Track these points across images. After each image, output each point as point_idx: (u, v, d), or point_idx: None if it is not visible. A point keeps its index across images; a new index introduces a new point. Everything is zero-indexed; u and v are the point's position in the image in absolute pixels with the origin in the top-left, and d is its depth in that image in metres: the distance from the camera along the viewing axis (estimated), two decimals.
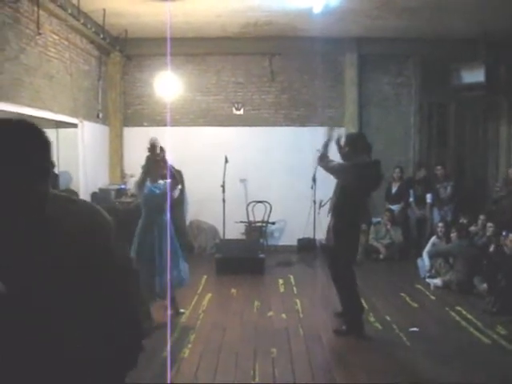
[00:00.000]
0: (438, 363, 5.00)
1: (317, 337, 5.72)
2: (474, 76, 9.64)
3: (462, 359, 5.09)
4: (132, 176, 10.48)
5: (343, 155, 5.92)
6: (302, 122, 10.68)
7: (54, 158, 8.26)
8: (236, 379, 4.63)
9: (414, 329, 5.91)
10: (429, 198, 10.13)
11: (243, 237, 10.38)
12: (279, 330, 5.91)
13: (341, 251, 5.68)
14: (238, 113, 10.74)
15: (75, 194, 8.30)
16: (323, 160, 5.96)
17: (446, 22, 9.02)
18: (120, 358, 1.85)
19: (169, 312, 5.99)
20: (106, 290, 1.79)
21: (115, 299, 1.83)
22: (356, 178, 5.57)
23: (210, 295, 7.36)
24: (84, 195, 9.05)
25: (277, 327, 6.03)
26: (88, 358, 1.74)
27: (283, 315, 6.47)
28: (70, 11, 7.62)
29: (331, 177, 6.02)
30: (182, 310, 6.44)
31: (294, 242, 10.53)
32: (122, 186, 10.24)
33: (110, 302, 1.81)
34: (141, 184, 6.10)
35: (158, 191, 6.08)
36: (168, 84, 9.56)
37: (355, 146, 5.79)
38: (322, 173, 6.93)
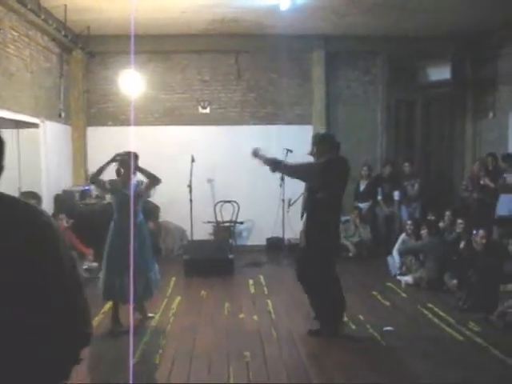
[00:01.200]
0: (413, 362, 4.95)
1: (290, 338, 5.61)
2: (441, 73, 9.72)
3: (438, 357, 5.04)
4: None
5: (312, 156, 5.81)
6: (270, 120, 10.58)
7: (15, 160, 7.96)
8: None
9: (389, 328, 5.85)
10: (396, 195, 10.14)
11: (211, 237, 10.23)
12: (252, 333, 5.78)
13: (312, 254, 5.51)
14: (204, 111, 10.57)
15: (37, 196, 8.03)
16: (279, 166, 5.75)
17: (413, 20, 9.04)
18: (51, 370, 1.70)
19: (131, 317, 5.82)
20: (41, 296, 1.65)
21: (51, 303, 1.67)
22: (322, 177, 5.40)
23: (179, 298, 7.18)
24: (47, 197, 8.77)
25: (249, 329, 5.90)
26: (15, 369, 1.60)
27: (255, 317, 6.34)
28: (29, 6, 7.33)
29: None
30: (150, 314, 6.25)
31: (263, 242, 10.43)
32: (86, 188, 9.95)
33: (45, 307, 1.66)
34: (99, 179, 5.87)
35: (129, 192, 5.83)
36: (132, 82, 9.35)
37: (321, 145, 5.65)
38: None
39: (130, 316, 5.76)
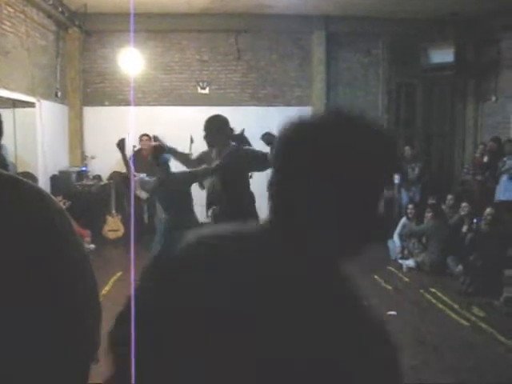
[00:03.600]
0: (420, 348, 4.90)
1: None
2: (444, 56, 9.58)
3: (445, 343, 5.00)
4: (93, 158, 10.12)
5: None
6: (269, 101, 10.43)
7: (11, 140, 7.81)
8: None
9: (392, 312, 5.79)
10: (396, 178, 10.05)
11: (207, 220, 10.13)
12: None
13: None
14: (203, 92, 10.41)
15: (33, 177, 7.90)
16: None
17: (416, 2, 8.88)
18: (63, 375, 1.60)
19: None
20: (51, 291, 1.53)
21: (62, 302, 1.56)
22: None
23: None
24: (43, 178, 8.63)
25: None
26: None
27: None
28: None
29: None
30: None
31: None
32: (83, 169, 9.84)
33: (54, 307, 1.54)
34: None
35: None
36: (130, 61, 9.18)
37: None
38: None
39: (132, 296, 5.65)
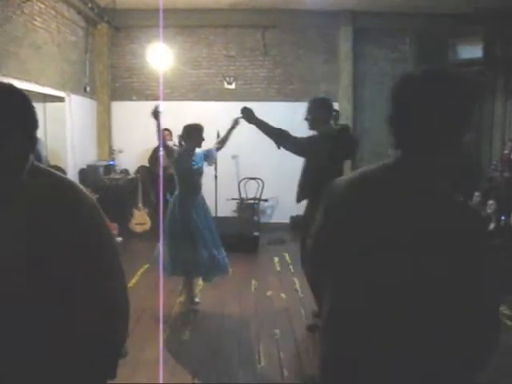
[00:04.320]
0: None
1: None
2: (472, 51, 9.47)
3: None
4: (120, 152, 10.23)
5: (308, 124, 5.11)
6: (296, 97, 10.41)
7: (42, 134, 7.94)
8: (240, 363, 4.47)
9: None
10: None
11: (235, 214, 10.21)
12: (280, 310, 5.76)
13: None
14: (229, 87, 10.46)
15: (62, 170, 8.03)
16: (281, 137, 4.86)
17: None
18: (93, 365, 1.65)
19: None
20: (80, 283, 1.58)
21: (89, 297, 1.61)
22: (317, 151, 4.75)
23: None
24: (72, 171, 8.77)
25: (277, 307, 5.88)
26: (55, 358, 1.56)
27: (282, 295, 6.31)
28: None
29: None
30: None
31: (287, 220, 10.37)
32: (111, 162, 9.96)
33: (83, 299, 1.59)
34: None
35: (195, 165, 5.56)
36: (158, 57, 9.24)
37: (317, 113, 4.96)
38: None
39: (160, 288, 5.70)
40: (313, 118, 4.95)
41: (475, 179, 8.42)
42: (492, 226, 7.42)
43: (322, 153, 4.69)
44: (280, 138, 4.85)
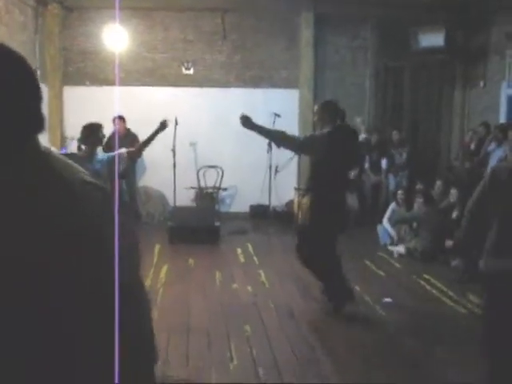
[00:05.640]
0: (419, 336, 4.79)
1: (288, 310, 5.40)
2: (434, 40, 9.45)
3: (444, 331, 4.91)
4: (73, 139, 9.76)
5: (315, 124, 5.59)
6: (255, 83, 10.19)
7: None
8: (212, 362, 4.24)
9: (388, 299, 5.69)
10: (384, 163, 9.97)
11: (193, 203, 9.94)
12: (248, 305, 5.55)
13: (318, 233, 5.11)
14: (187, 72, 10.11)
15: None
16: (281, 142, 5.41)
17: None
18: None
19: None
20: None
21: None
22: (325, 150, 5.02)
23: (166, 266, 6.87)
24: None
25: (245, 301, 5.67)
26: None
27: (249, 287, 6.10)
28: None
29: None
30: None
31: (246, 209, 10.16)
32: (63, 150, 9.49)
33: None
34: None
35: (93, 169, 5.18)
36: (113, 40, 8.85)
37: (323, 114, 5.26)
38: None
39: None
40: (318, 119, 5.34)
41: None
42: (454, 214, 7.41)
43: (326, 150, 5.01)
44: (280, 139, 5.33)
